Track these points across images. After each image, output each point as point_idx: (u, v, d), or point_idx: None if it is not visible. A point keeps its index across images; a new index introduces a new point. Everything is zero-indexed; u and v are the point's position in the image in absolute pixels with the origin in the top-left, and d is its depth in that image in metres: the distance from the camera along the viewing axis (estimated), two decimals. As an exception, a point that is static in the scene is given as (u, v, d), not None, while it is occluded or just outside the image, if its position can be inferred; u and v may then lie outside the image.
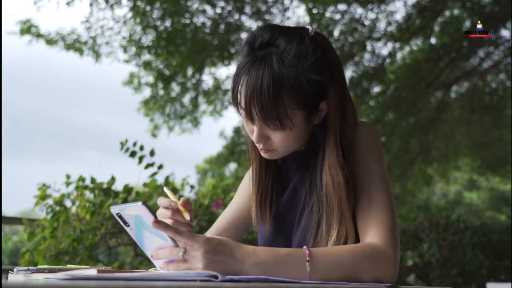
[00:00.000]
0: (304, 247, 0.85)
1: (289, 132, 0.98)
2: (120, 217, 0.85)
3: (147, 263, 2.58)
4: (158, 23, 6.27)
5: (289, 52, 0.93)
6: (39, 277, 0.86)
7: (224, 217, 1.26)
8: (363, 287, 0.74)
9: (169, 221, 0.97)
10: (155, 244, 0.85)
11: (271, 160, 1.11)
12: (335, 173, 0.98)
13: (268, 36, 0.96)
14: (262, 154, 1.06)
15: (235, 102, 1.00)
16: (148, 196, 2.70)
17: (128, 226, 0.86)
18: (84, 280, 0.55)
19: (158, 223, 0.77)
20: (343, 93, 1.02)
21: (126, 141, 2.69)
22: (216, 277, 0.69)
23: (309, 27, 1.01)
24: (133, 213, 0.83)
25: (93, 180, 2.62)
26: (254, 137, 1.01)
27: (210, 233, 1.22)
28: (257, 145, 1.04)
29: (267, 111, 0.93)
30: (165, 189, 0.98)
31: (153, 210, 0.80)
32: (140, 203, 0.79)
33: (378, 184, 0.98)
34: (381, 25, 6.96)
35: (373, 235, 0.93)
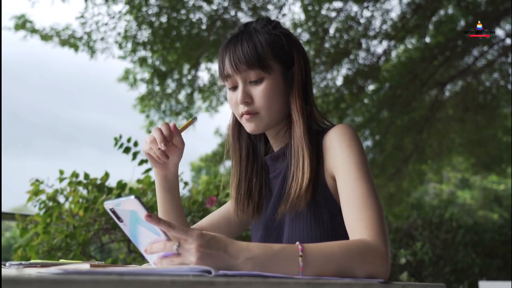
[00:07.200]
0: (297, 242, 0.85)
1: (269, 83, 1.09)
2: (114, 212, 0.84)
3: (141, 259, 2.57)
4: (154, 19, 6.25)
5: (259, 24, 1.14)
6: (32, 271, 0.85)
7: (210, 217, 1.32)
8: (356, 283, 0.74)
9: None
10: (149, 239, 0.84)
11: (252, 157, 1.22)
12: (300, 133, 1.08)
13: (243, 25, 1.16)
14: (247, 123, 1.13)
15: (221, 75, 1.13)
16: (142, 192, 2.69)
17: (122, 221, 0.85)
18: (77, 275, 0.55)
19: (150, 217, 0.77)
20: (306, 69, 1.15)
21: (120, 137, 2.67)
22: (209, 272, 0.69)
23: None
24: (127, 208, 0.82)
25: (86, 176, 2.60)
26: (239, 98, 1.10)
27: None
28: (241, 111, 1.11)
29: (250, 60, 1.08)
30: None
31: (147, 205, 0.80)
32: (132, 196, 0.78)
33: (361, 181, 0.99)
34: (376, 23, 6.98)
35: (362, 232, 0.93)
